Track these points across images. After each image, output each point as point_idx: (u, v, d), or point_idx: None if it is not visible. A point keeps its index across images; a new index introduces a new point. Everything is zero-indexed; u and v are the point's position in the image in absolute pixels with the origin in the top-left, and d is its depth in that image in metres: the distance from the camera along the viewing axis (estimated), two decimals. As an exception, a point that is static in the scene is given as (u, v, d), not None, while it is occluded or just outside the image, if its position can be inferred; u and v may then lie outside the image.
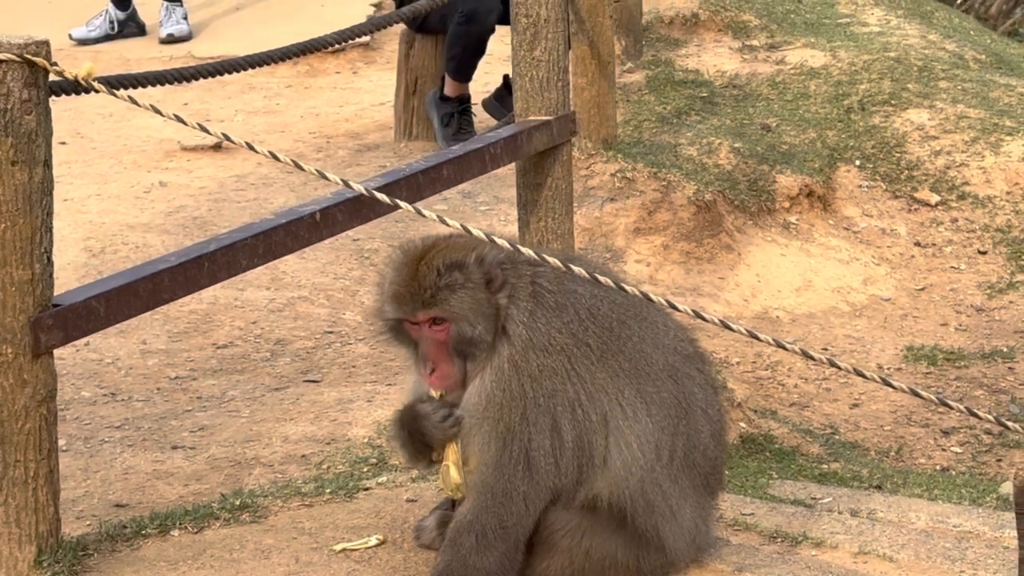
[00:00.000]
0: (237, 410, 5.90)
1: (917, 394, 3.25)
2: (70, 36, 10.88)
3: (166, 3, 10.90)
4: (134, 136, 9.22)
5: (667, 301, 3.45)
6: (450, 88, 8.74)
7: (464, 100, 8.78)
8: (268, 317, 6.82)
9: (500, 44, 9.50)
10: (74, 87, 4.09)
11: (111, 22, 10.93)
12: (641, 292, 3.46)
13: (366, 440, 5.41)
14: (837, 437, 6.43)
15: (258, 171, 8.45)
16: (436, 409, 4.01)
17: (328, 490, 4.86)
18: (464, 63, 8.71)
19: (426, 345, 4.00)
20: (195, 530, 4.58)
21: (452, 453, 4.03)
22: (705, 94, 9.35)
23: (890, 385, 3.28)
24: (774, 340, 3.29)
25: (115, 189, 8.30)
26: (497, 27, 8.67)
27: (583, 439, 4.02)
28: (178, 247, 5.92)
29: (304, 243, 4.90)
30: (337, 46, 7.01)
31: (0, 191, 3.95)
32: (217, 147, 8.83)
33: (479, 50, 8.69)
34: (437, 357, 4.00)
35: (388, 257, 4.11)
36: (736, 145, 8.39)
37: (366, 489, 4.87)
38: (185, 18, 10.95)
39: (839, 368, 3.39)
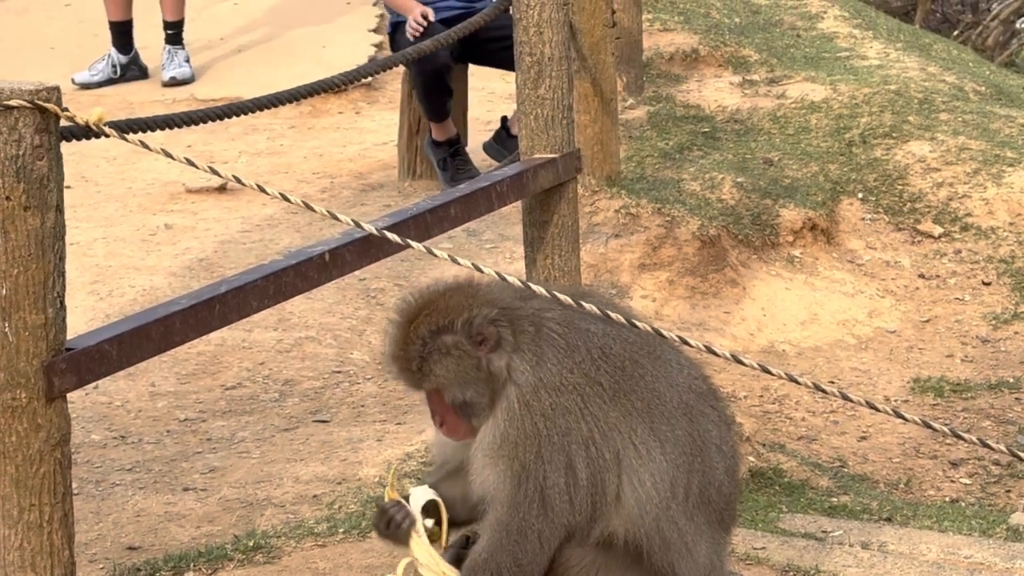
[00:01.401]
0: (247, 451, 5.91)
1: (929, 425, 3.27)
2: (73, 81, 10.90)
3: (168, 46, 10.93)
4: (139, 179, 9.24)
5: (679, 337, 3.46)
6: (435, 132, 8.76)
7: (453, 142, 8.79)
8: (276, 358, 6.83)
9: (502, 83, 9.55)
10: (85, 132, 4.12)
11: (114, 66, 10.96)
12: (653, 328, 3.48)
13: (377, 479, 5.42)
14: (846, 470, 6.44)
15: (263, 212, 8.48)
16: (395, 511, 4.03)
17: (341, 530, 4.88)
18: (432, 104, 8.70)
19: (431, 404, 4.02)
20: (209, 572, 4.59)
21: (420, 552, 4.02)
22: (707, 129, 9.38)
23: (902, 417, 3.29)
24: (786, 374, 3.30)
25: (121, 232, 8.33)
26: (502, 69, 8.69)
27: (597, 477, 4.02)
28: (185, 289, 5.96)
29: (314, 283, 4.91)
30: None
31: (13, 236, 3.97)
32: (222, 189, 8.86)
33: (441, 89, 8.65)
34: (443, 413, 4.01)
35: (390, 313, 4.12)
36: (739, 180, 8.41)
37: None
38: (187, 61, 10.98)
39: (851, 401, 3.40)
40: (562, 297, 3.78)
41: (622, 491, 4.02)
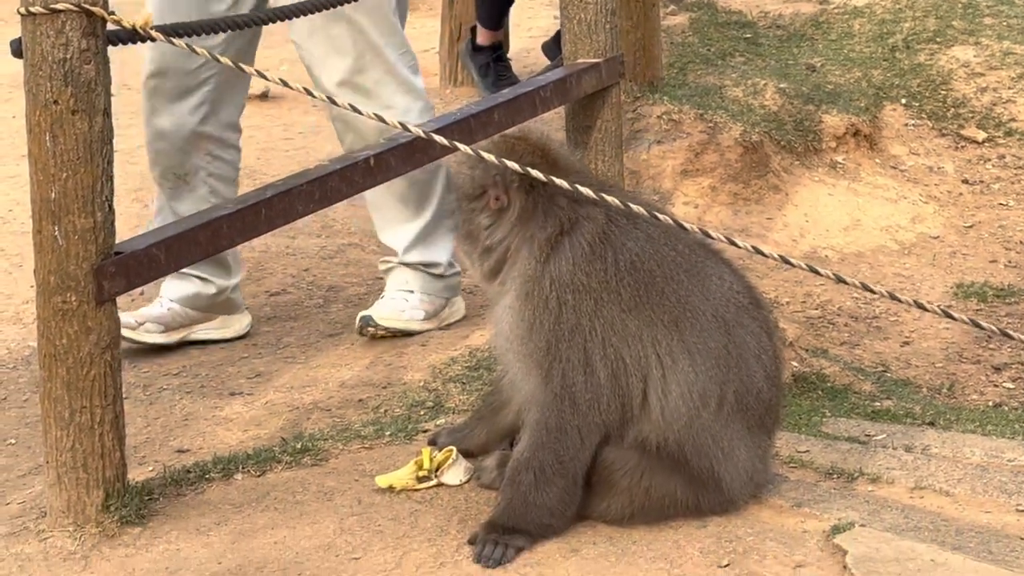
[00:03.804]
0: (292, 356, 5.95)
1: (978, 324, 3.27)
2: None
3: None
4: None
5: (726, 238, 3.47)
6: (482, 37, 8.74)
7: (497, 48, 8.78)
8: (320, 264, 6.86)
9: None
10: (131, 36, 4.13)
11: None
12: (701, 230, 3.48)
13: (422, 384, 5.45)
14: (889, 375, 6.44)
15: (305, 120, 8.49)
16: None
17: (387, 433, 4.91)
18: (493, 11, 8.70)
19: None
20: (258, 473, 4.63)
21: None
22: (749, 35, 9.33)
23: (950, 316, 3.30)
24: (834, 274, 3.31)
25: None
26: None
27: (619, 380, 4.05)
28: (228, 196, 5.96)
29: (359, 188, 4.93)
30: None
31: (62, 140, 3.99)
32: (264, 96, 8.86)
33: None
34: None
35: None
36: (781, 86, 8.37)
37: (425, 431, 4.92)
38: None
39: (899, 300, 3.41)
40: (609, 199, 3.78)
41: (648, 398, 4.07)
